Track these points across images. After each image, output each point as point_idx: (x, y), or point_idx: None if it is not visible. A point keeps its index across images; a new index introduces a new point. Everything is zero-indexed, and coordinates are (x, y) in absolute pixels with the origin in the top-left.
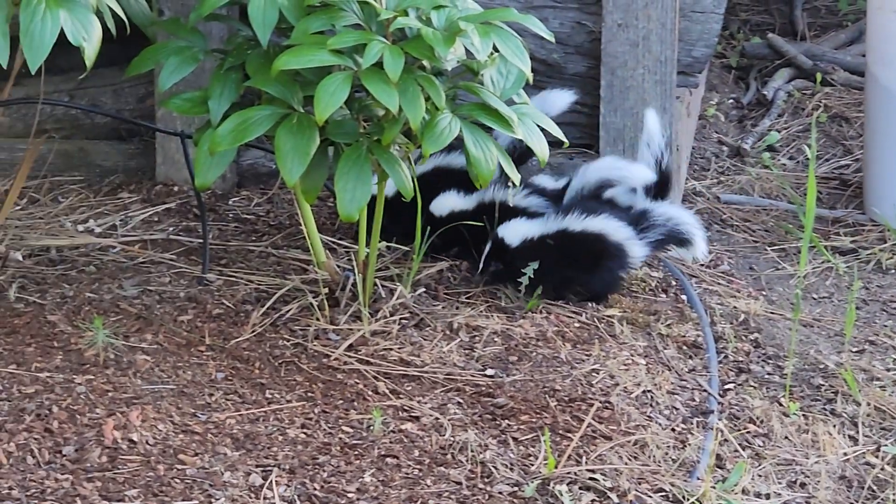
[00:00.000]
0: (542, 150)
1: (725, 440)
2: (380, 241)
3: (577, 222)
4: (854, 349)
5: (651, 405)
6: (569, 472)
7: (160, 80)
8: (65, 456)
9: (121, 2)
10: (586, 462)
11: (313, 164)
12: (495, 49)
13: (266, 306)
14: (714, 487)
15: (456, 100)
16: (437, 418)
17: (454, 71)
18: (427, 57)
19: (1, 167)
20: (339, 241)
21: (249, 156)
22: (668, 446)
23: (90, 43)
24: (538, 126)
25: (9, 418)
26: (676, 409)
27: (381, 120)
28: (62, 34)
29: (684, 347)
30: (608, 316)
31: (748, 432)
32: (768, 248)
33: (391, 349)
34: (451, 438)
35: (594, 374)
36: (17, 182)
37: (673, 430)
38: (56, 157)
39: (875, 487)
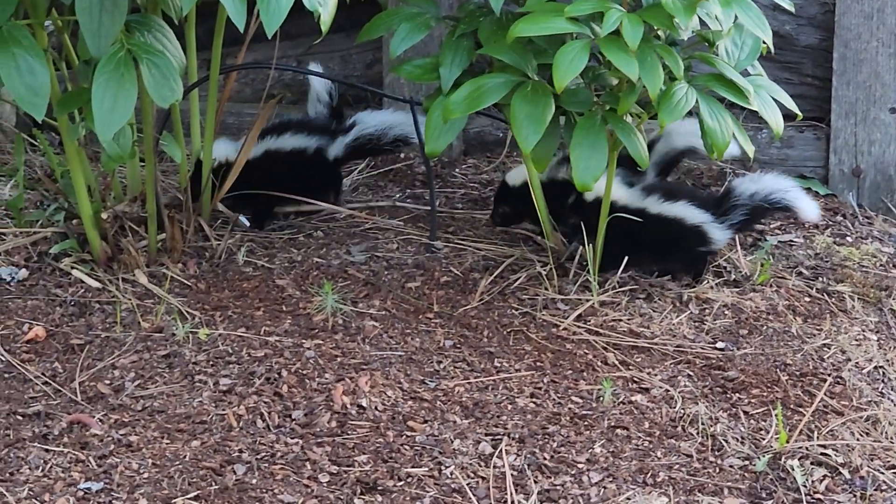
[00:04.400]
0: (776, 122)
1: None
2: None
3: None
4: None
5: (883, 381)
6: (800, 447)
7: (392, 47)
8: (294, 420)
9: None
10: (818, 437)
11: (546, 132)
12: (735, 19)
13: (494, 275)
14: None
15: (690, 70)
16: (667, 390)
17: (687, 41)
18: (665, 26)
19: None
20: None
21: (476, 124)
22: None
23: (326, 8)
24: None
25: (239, 381)
26: None
27: (615, 89)
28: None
29: None
30: (839, 291)
31: None
32: None
33: (620, 320)
34: (682, 411)
35: (825, 349)
36: (246, 146)
37: None
38: None
39: None
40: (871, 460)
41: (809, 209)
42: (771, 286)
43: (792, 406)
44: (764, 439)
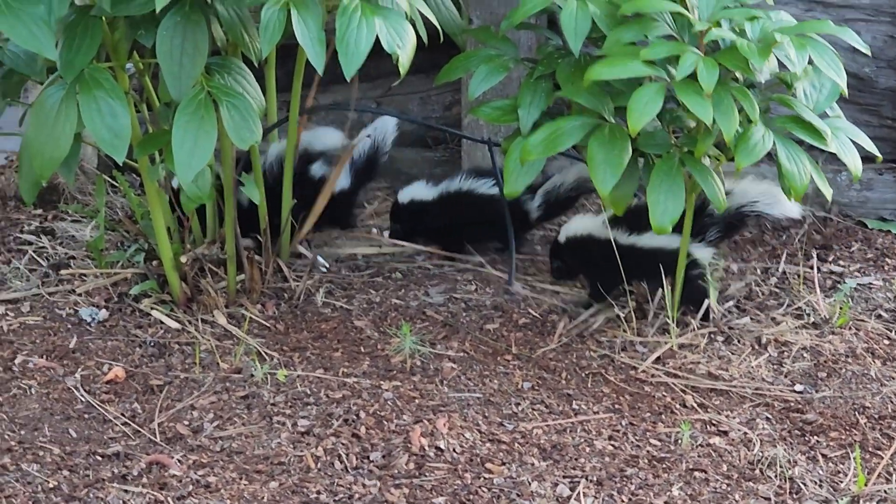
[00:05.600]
0: (855, 165)
1: None
2: None
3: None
4: None
5: None
6: (878, 490)
7: (470, 88)
8: (372, 462)
9: (432, 10)
10: None
11: (624, 174)
12: (810, 62)
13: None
14: None
15: (768, 112)
16: (745, 433)
17: (766, 83)
18: (741, 69)
19: None
20: None
21: (554, 166)
22: None
23: (404, 50)
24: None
25: (317, 423)
26: None
27: (693, 132)
28: (375, 41)
29: None
30: None
31: None
32: None
33: (699, 362)
34: (760, 453)
35: None
36: (327, 188)
37: None
38: None
39: None
40: None
41: (785, 209)
42: (850, 329)
43: (870, 449)
44: (842, 482)
